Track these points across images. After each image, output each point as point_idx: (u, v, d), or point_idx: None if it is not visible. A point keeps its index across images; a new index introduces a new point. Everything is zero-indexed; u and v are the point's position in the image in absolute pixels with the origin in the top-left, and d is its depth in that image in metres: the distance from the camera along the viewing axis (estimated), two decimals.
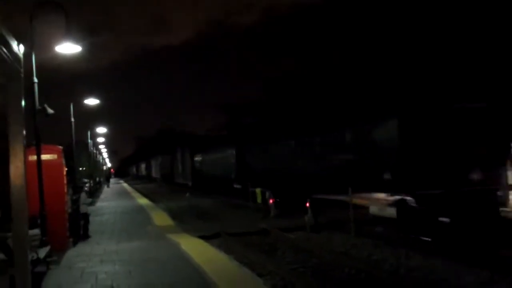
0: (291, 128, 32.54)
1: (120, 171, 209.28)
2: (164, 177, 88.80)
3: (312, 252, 17.75)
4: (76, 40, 16.69)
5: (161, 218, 28.27)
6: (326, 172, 25.51)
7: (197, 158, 63.46)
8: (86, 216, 21.43)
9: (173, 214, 31.45)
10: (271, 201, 29.97)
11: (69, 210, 19.02)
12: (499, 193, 18.67)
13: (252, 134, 45.05)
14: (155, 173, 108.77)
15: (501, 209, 18.38)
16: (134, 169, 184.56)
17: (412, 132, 18.90)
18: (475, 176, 18.19)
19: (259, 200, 32.24)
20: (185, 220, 28.89)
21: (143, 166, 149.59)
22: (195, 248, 16.51)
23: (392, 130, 19.69)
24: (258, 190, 32.93)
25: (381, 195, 21.14)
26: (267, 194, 31.17)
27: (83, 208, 21.32)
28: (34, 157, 15.26)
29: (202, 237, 20.25)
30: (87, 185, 24.97)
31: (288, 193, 29.34)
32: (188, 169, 66.67)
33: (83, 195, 22.08)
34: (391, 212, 17.67)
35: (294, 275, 14.17)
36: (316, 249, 18.17)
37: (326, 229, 22.08)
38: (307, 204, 22.58)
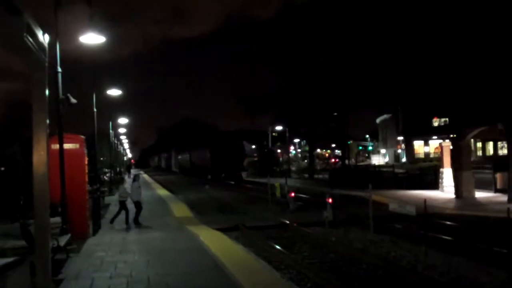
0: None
1: (141, 162, 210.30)
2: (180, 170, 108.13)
3: (330, 247, 17.74)
4: (100, 31, 16.81)
5: (180, 209, 28.41)
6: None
7: (181, 156, 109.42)
8: (138, 204, 22.14)
9: (192, 206, 31.61)
10: (291, 194, 29.97)
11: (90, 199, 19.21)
12: None
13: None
14: (174, 166, 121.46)
15: None
16: (156, 160, 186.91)
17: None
18: None
19: (278, 193, 32.24)
20: (204, 212, 29.01)
21: (163, 158, 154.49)
22: (213, 240, 16.58)
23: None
24: (277, 184, 32.93)
25: None
26: (286, 188, 31.18)
27: (135, 197, 22.08)
28: (57, 146, 15.41)
29: (220, 229, 20.33)
30: (139, 174, 25.45)
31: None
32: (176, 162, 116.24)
33: (135, 184, 22.43)
34: (411, 209, 17.58)
35: (311, 270, 14.18)
36: (334, 244, 18.15)
37: (344, 225, 22.05)
38: (327, 200, 22.52)
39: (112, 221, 21.74)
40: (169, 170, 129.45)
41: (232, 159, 73.40)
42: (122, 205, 21.99)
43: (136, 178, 23.80)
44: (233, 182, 66.03)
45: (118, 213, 22.10)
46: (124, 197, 22.19)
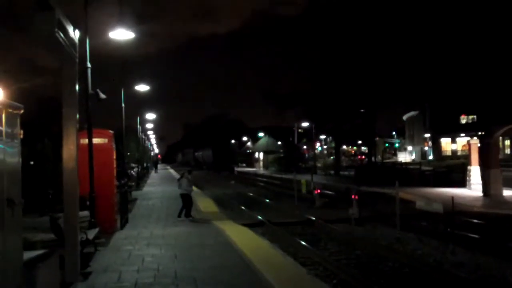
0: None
1: (167, 157, 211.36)
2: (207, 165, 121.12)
3: (356, 244, 17.71)
4: (129, 27, 16.96)
5: (206, 204, 28.53)
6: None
7: (197, 153, 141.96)
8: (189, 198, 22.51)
9: (218, 201, 31.74)
10: (317, 191, 29.96)
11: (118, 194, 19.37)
12: None
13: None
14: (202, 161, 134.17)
15: None
16: (180, 156, 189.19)
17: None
18: None
19: (304, 190, 32.24)
20: (230, 207, 29.11)
21: (187, 154, 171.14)
22: (239, 235, 16.64)
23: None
24: (303, 180, 32.93)
25: None
26: (313, 184, 31.15)
27: (187, 190, 22.28)
28: (86, 141, 15.58)
29: (246, 224, 20.40)
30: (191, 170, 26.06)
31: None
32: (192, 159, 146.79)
33: (189, 177, 22.82)
34: (438, 207, 17.47)
35: (337, 266, 14.19)
36: (360, 241, 18.12)
37: (370, 222, 21.98)
38: (353, 196, 22.47)
39: (188, 213, 21.99)
40: (196, 165, 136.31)
41: (226, 156, 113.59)
42: (187, 198, 22.29)
43: (190, 172, 24.01)
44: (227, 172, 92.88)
45: (187, 206, 22.34)
46: (188, 191, 22.46)
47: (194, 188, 42.02)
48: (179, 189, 22.43)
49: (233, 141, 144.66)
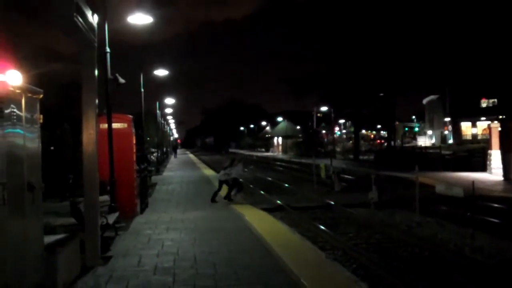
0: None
1: (187, 142, 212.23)
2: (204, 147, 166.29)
3: (375, 228, 17.66)
4: (147, 11, 16.95)
5: (225, 188, 28.56)
6: None
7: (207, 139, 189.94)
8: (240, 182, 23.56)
9: None
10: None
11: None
12: None
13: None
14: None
15: None
16: (198, 141, 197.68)
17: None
18: None
19: (323, 174, 32.18)
20: (249, 191, 29.13)
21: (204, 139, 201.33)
22: (258, 220, 16.66)
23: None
24: (322, 165, 32.87)
25: None
26: (331, 168, 31.08)
27: (239, 175, 23.28)
28: (105, 126, 15.66)
29: (265, 209, 20.40)
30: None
31: None
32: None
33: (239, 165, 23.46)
34: (459, 191, 17.33)
35: (356, 251, 14.16)
36: (379, 226, 18.06)
37: (389, 207, 21.88)
38: (373, 181, 22.39)
39: (228, 197, 22.54)
40: (215, 150, 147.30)
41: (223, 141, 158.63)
42: (237, 181, 23.05)
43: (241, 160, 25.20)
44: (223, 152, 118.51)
45: (239, 188, 23.37)
46: (238, 176, 23.21)
47: (213, 172, 42.24)
48: (230, 175, 22.89)
49: (251, 126, 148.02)
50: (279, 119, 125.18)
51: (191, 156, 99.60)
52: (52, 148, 25.25)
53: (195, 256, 11.43)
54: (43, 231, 8.72)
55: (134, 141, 18.83)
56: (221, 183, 23.09)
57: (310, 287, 8.93)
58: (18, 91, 7.43)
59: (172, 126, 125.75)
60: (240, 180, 23.56)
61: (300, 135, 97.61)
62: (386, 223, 18.52)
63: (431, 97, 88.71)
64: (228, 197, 22.09)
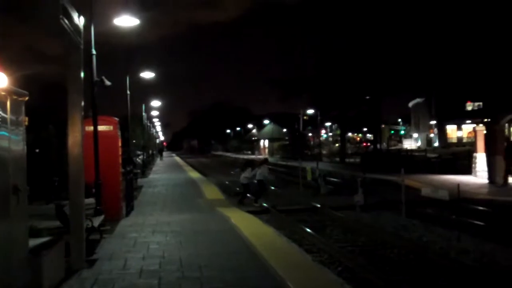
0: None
1: (173, 144, 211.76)
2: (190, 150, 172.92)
3: (361, 231, 17.70)
4: (134, 13, 16.90)
5: (211, 191, 28.56)
6: None
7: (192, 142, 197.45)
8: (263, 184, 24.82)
9: (223, 188, 31.77)
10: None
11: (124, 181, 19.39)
12: None
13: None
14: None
15: None
16: (185, 144, 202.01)
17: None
18: None
19: (309, 177, 32.22)
20: (235, 194, 29.10)
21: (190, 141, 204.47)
22: (244, 222, 16.65)
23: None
24: (308, 168, 32.91)
25: None
26: (317, 171, 31.13)
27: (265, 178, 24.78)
28: (91, 128, 15.59)
29: (251, 212, 20.41)
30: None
31: None
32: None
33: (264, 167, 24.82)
34: (444, 194, 17.42)
35: (342, 253, 14.18)
36: (365, 228, 18.10)
37: (376, 210, 21.94)
38: (358, 183, 22.45)
39: (256, 200, 23.99)
40: (199, 152, 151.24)
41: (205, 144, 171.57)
42: (262, 184, 24.52)
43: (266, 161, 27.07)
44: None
45: (262, 190, 24.65)
46: (264, 178, 24.57)
47: (199, 175, 42.16)
48: (251, 178, 24.59)
49: (238, 128, 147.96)
50: (266, 121, 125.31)
51: (177, 158, 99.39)
52: (37, 150, 25.08)
53: (181, 259, 11.41)
54: (28, 234, 8.67)
55: (120, 144, 18.76)
56: (244, 186, 24.72)
57: None
58: (3, 93, 7.38)
59: (159, 128, 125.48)
60: (264, 183, 24.69)
61: (286, 138, 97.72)
62: (372, 226, 18.56)
63: (417, 100, 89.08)
64: (241, 201, 23.67)
